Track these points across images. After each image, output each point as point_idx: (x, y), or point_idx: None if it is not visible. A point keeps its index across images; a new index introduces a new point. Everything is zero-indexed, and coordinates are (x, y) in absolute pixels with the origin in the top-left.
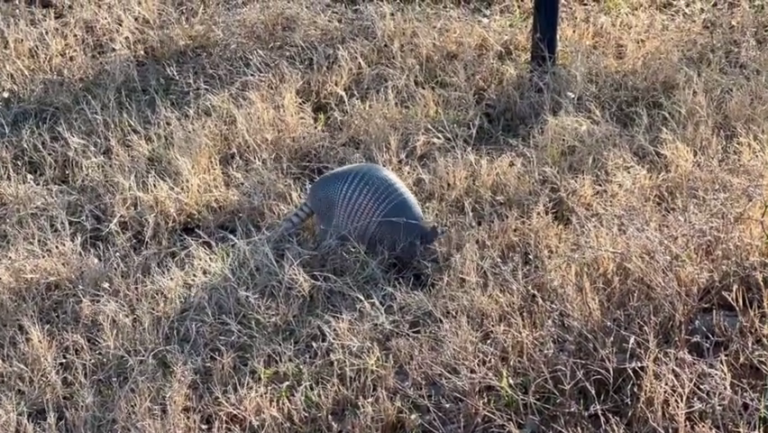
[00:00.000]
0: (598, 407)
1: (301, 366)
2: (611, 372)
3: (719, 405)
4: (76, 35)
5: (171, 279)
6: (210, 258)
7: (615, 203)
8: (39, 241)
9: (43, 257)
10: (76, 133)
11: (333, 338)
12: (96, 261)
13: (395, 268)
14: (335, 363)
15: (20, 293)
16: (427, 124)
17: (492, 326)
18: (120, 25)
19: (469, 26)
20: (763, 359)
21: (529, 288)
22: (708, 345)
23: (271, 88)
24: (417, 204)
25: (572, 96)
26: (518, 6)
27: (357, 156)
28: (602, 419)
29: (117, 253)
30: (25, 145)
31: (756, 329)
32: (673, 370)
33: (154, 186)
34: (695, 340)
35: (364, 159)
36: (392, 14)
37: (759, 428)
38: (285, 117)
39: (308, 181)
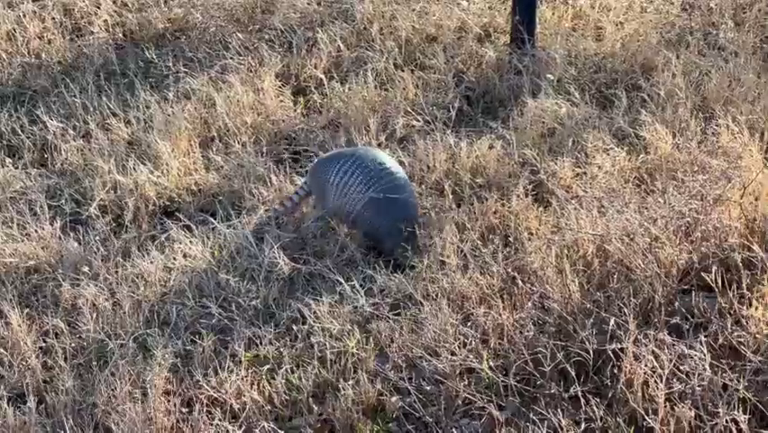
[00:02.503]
0: (578, 388)
1: (282, 349)
2: (591, 353)
3: (699, 386)
4: (54, 18)
5: (151, 262)
6: (190, 241)
7: (594, 185)
8: (18, 225)
9: (22, 241)
10: (54, 116)
11: (314, 321)
12: (75, 244)
13: (374, 250)
14: (316, 345)
15: None
16: (407, 107)
17: (472, 308)
18: (98, 8)
19: (448, 9)
20: (742, 340)
21: (509, 270)
22: (687, 326)
23: (251, 72)
24: (410, 190)
25: (552, 78)
26: None
27: (338, 140)
28: (582, 400)
29: (97, 237)
30: (3, 129)
31: (735, 310)
32: (653, 351)
33: (134, 169)
34: (675, 321)
35: (344, 141)
36: None
37: (738, 408)
38: (264, 100)
39: (288, 165)
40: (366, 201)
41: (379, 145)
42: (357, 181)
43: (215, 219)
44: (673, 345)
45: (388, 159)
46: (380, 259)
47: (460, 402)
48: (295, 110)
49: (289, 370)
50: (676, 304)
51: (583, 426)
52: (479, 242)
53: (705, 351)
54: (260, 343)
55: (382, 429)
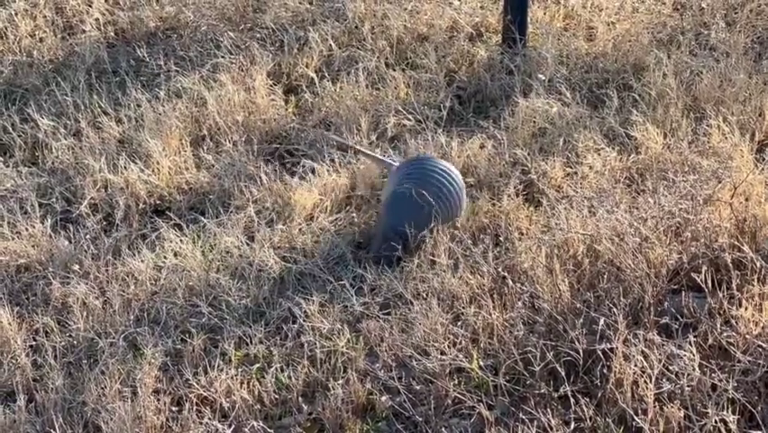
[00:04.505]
0: (567, 388)
1: (272, 348)
2: (581, 353)
3: (688, 386)
4: (45, 16)
5: (142, 261)
6: (181, 240)
7: (585, 185)
8: (8, 223)
9: (13, 239)
10: (45, 114)
11: (304, 320)
12: (66, 243)
13: (365, 249)
14: (306, 344)
15: None
16: (398, 106)
17: (463, 307)
18: (90, 6)
19: (440, 8)
20: (731, 340)
21: (500, 270)
22: (677, 326)
23: (242, 70)
24: (444, 202)
25: (543, 78)
26: None
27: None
28: (572, 400)
29: (87, 236)
30: None
31: (725, 311)
32: (642, 351)
33: (125, 168)
34: (664, 321)
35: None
36: None
37: (727, 408)
38: (256, 99)
39: (279, 163)
40: (390, 194)
41: (371, 144)
42: (401, 175)
43: (206, 218)
44: (663, 345)
45: (447, 167)
46: (370, 257)
47: (449, 402)
48: (286, 109)
49: (279, 369)
50: (666, 304)
51: (573, 426)
52: (469, 241)
53: (694, 351)
54: (251, 342)
55: (372, 429)
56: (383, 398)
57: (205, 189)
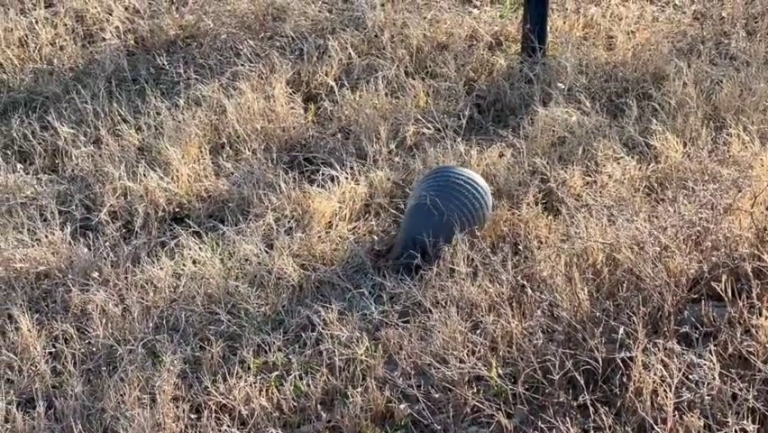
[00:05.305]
0: (587, 397)
1: (290, 356)
2: (600, 362)
3: (708, 395)
4: (66, 24)
5: (161, 268)
6: (200, 248)
7: (604, 194)
8: (28, 230)
9: (33, 246)
10: (66, 122)
11: (323, 328)
12: (85, 250)
13: (384, 257)
14: (324, 352)
15: (9, 282)
16: (417, 115)
17: (481, 316)
18: (110, 15)
19: (459, 17)
20: (751, 349)
21: (519, 278)
22: (696, 335)
23: (262, 78)
24: (462, 213)
25: (562, 86)
26: None
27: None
28: (591, 408)
29: (107, 243)
30: (15, 134)
31: (745, 320)
32: (662, 360)
33: (144, 175)
34: (684, 330)
35: (354, 149)
36: (383, 5)
37: (747, 418)
38: (275, 107)
39: (298, 171)
40: (412, 204)
41: (390, 153)
42: (424, 185)
43: (225, 226)
44: (682, 354)
45: (471, 176)
46: (390, 266)
47: (468, 410)
48: (305, 117)
49: (298, 377)
50: (685, 313)
51: None
52: (488, 249)
53: (714, 360)
54: (269, 349)
55: None
56: (402, 406)
57: (225, 197)
